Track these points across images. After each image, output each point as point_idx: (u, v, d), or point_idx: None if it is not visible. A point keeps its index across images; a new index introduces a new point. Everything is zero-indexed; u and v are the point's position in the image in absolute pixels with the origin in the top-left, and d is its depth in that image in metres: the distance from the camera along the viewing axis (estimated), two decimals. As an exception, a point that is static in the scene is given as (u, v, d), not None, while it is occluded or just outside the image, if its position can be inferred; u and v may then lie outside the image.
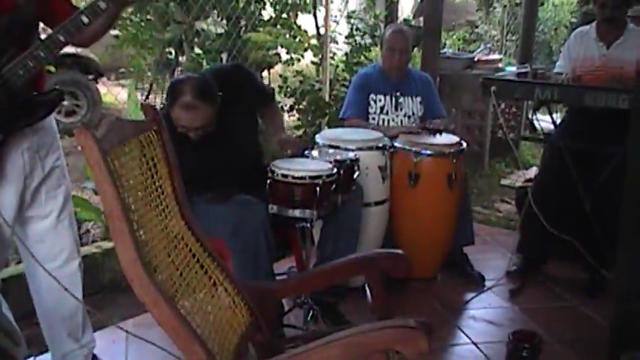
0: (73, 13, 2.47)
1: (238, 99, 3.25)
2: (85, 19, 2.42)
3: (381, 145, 3.78)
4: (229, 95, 3.14)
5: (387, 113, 4.25)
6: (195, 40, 6.66)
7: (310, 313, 3.30)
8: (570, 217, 3.95)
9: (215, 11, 6.50)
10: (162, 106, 3.29)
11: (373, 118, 4.23)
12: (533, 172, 5.68)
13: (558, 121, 4.30)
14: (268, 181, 3.05)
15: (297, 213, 3.05)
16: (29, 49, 2.40)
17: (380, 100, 4.24)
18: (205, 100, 2.97)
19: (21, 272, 3.00)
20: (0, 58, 2.38)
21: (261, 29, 6.51)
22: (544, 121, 4.54)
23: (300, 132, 6.14)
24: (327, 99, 6.22)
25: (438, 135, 4.04)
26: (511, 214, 5.54)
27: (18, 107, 2.46)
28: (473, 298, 3.99)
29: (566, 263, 4.28)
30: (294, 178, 3.01)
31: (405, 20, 12.58)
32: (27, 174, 2.60)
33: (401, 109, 4.26)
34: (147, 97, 6.94)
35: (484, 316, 3.78)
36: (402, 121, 4.26)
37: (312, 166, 3.13)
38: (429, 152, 3.86)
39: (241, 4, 6.42)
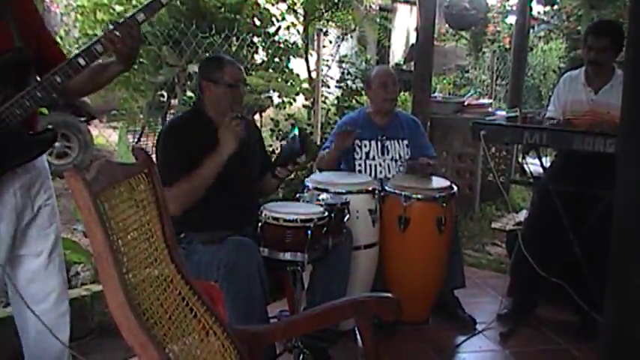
0: (63, 60, 2.50)
1: (262, 149, 3.59)
2: (82, 61, 2.45)
3: (370, 188, 3.80)
4: (254, 142, 3.48)
5: (373, 158, 4.25)
6: (188, 83, 6.72)
7: (300, 357, 3.27)
8: (560, 260, 3.95)
9: (208, 55, 6.57)
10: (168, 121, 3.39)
11: (360, 164, 4.24)
12: (523, 215, 5.71)
13: (548, 165, 4.33)
14: (259, 223, 3.06)
15: (288, 256, 3.04)
16: (26, 89, 2.42)
17: (365, 146, 4.25)
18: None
19: (8, 315, 2.98)
20: None
21: (253, 73, 6.57)
22: (534, 165, 4.57)
23: (292, 175, 6.16)
24: (318, 142, 6.24)
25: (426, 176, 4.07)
26: (502, 257, 5.54)
27: (12, 146, 2.47)
28: (464, 341, 3.97)
29: (557, 306, 4.28)
30: (285, 221, 3.01)
31: (396, 65, 12.74)
32: (19, 213, 2.59)
33: (387, 153, 4.27)
34: (139, 140, 6.97)
35: (475, 360, 3.78)
36: (388, 166, 4.27)
37: (303, 209, 3.14)
38: (419, 196, 3.87)
39: (234, 48, 6.48)
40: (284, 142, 3.46)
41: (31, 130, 2.56)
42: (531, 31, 10.70)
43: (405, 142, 4.31)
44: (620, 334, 2.13)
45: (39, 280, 2.71)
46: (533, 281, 4.02)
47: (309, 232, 2.98)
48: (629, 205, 1.99)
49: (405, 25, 16.35)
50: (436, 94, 7.98)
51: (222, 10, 6.78)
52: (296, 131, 3.36)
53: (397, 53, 15.61)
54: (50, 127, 2.64)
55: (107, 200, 1.80)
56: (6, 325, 2.99)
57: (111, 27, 2.52)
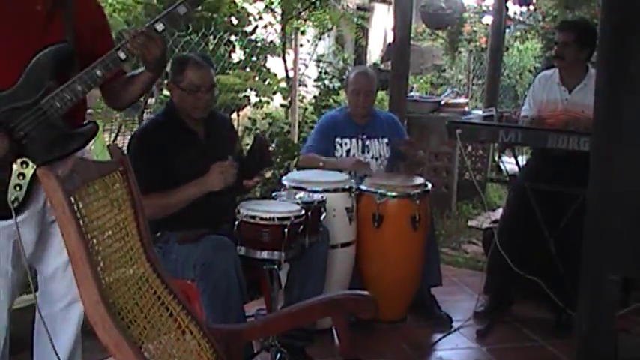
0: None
1: (232, 142, 3.50)
2: (122, 55, 2.43)
3: (347, 186, 3.81)
4: (227, 134, 3.47)
5: (354, 157, 4.27)
6: (165, 82, 6.66)
7: (278, 356, 3.27)
8: (536, 257, 3.99)
9: (184, 53, 6.54)
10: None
11: None
12: (499, 213, 5.74)
13: (523, 163, 4.36)
14: (236, 222, 3.06)
15: (264, 255, 3.05)
16: (67, 82, 2.40)
17: (346, 144, 4.27)
18: (209, 64, 3.34)
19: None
20: (39, 90, 2.38)
21: (230, 72, 6.54)
22: (510, 164, 4.60)
23: (269, 174, 6.16)
24: (295, 141, 6.24)
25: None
26: (478, 255, 5.57)
27: (53, 139, 2.44)
28: (440, 339, 3.99)
29: (533, 303, 4.31)
30: (261, 219, 3.02)
31: (374, 64, 12.76)
32: (48, 208, 2.55)
33: (368, 152, 4.29)
34: (115, 139, 6.91)
35: (452, 357, 3.80)
36: (369, 164, 4.28)
37: (280, 207, 3.14)
38: (393, 194, 3.89)
39: (211, 47, 6.45)
40: (246, 154, 3.41)
41: (73, 123, 2.52)
42: (507, 31, 10.77)
43: (385, 140, 4.33)
44: (594, 330, 2.16)
45: (58, 278, 2.69)
46: (509, 279, 4.05)
47: (286, 230, 2.98)
48: (601, 203, 2.02)
49: (382, 24, 16.37)
50: (413, 93, 8.01)
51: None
52: (255, 142, 3.34)
53: (375, 52, 15.64)
54: (92, 120, 2.61)
55: (81, 199, 1.79)
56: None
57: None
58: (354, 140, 4.28)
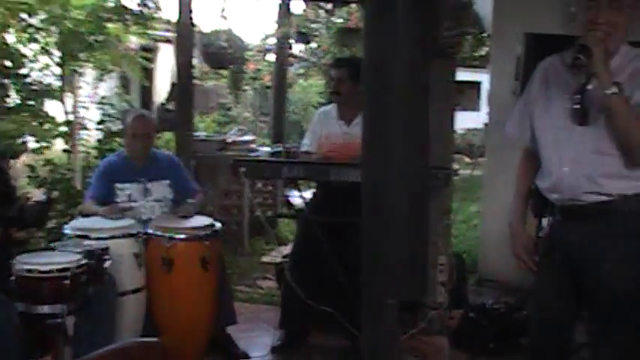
0: None
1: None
2: None
3: (134, 231, 3.73)
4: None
5: (135, 201, 4.19)
6: None
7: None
8: (327, 287, 4.07)
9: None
10: None
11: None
12: (291, 247, 5.85)
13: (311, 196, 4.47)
14: (12, 277, 2.90)
15: (46, 309, 2.93)
16: None
17: (127, 189, 4.18)
18: None
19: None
20: None
21: (5, 117, 6.22)
22: (299, 198, 4.70)
23: (53, 223, 5.88)
24: (79, 187, 6.02)
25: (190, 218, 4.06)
26: (273, 290, 5.61)
27: None
28: (239, 377, 3.98)
29: (329, 333, 4.40)
30: (40, 272, 2.90)
31: (161, 104, 12.63)
32: None
33: (150, 195, 4.23)
34: None
35: (250, 395, 3.79)
36: (152, 207, 4.22)
37: (59, 258, 3.04)
38: (181, 236, 3.85)
39: (-18, 92, 6.11)
40: (29, 206, 3.31)
41: None
42: (291, 68, 11.09)
43: (167, 181, 4.28)
44: (378, 354, 2.23)
45: None
46: (303, 311, 4.10)
47: (67, 281, 2.88)
48: (374, 230, 2.10)
49: (168, 64, 16.22)
50: (199, 132, 8.02)
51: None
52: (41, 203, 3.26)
53: (162, 92, 15.47)
54: None
55: None
56: None
57: None
58: (134, 184, 4.20)
